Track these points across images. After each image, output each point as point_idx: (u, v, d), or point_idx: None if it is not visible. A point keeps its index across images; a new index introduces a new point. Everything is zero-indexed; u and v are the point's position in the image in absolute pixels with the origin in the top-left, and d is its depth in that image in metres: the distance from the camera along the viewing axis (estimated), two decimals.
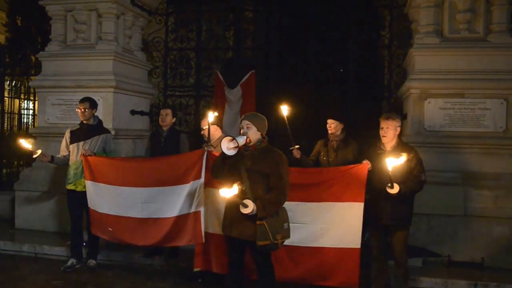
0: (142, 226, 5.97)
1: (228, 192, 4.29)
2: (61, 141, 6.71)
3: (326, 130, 6.19)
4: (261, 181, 4.46)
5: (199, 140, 8.40)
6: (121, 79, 8.18)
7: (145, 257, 6.85)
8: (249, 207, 4.31)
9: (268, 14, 9.76)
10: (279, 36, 9.78)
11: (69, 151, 6.52)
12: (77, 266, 6.54)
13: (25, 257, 7.22)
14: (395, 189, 4.99)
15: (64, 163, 6.59)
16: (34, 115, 11.63)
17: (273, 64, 9.67)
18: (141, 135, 8.88)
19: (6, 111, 10.34)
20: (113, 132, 7.32)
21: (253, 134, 4.52)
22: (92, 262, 6.58)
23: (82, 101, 6.50)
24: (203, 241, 5.61)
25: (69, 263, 6.53)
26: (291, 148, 5.97)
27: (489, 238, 6.67)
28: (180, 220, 5.73)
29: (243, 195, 4.43)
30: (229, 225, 4.63)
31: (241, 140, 4.38)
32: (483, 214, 6.69)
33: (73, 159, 6.47)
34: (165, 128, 6.82)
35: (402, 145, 5.36)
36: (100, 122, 6.74)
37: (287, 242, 4.68)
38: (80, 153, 6.35)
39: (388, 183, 5.00)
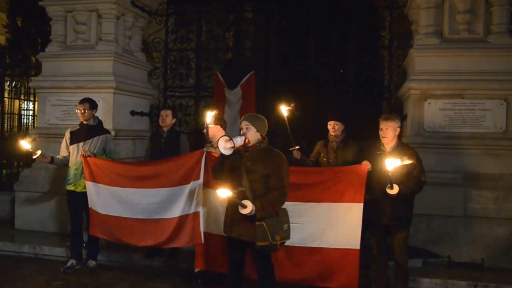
0: (143, 227, 5.97)
1: (225, 192, 4.29)
2: (61, 142, 6.71)
3: (326, 131, 6.19)
4: (261, 182, 4.45)
5: (199, 140, 8.43)
6: (121, 79, 8.17)
7: (145, 258, 6.85)
8: (248, 208, 4.31)
9: (268, 15, 9.75)
10: (279, 37, 9.77)
11: (69, 152, 6.52)
12: (77, 267, 6.53)
13: (25, 258, 7.21)
14: (395, 190, 4.99)
15: (64, 163, 6.59)
16: (34, 115, 11.62)
17: (273, 65, 9.66)
18: (141, 135, 8.87)
19: (6, 112, 10.34)
20: (113, 133, 7.31)
21: (253, 135, 4.51)
22: (92, 263, 6.58)
23: (82, 102, 6.50)
24: (202, 242, 5.63)
25: (69, 264, 6.52)
26: (291, 149, 5.97)
27: (489, 239, 6.67)
28: (180, 221, 5.74)
29: (242, 195, 4.42)
30: (230, 225, 4.63)
31: (239, 140, 4.37)
32: (483, 214, 6.70)
33: (73, 159, 6.46)
34: (165, 129, 6.82)
35: (402, 146, 5.36)
36: (100, 122, 6.73)
37: (286, 242, 4.66)
38: (80, 153, 6.35)
39: (387, 184, 5.00)
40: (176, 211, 5.76)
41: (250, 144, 4.50)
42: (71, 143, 6.50)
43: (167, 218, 5.81)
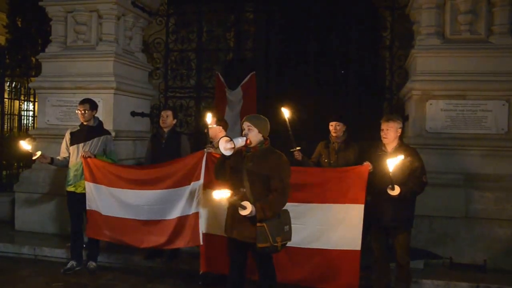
0: (144, 228, 5.98)
1: (221, 193, 4.27)
2: (61, 143, 6.69)
3: (327, 132, 6.17)
4: (262, 183, 4.44)
5: (199, 141, 8.42)
6: (121, 80, 8.15)
7: (145, 259, 6.83)
8: (247, 209, 4.29)
9: (269, 15, 9.74)
10: (280, 37, 9.76)
11: (69, 153, 6.50)
12: (77, 268, 6.51)
13: (25, 259, 7.19)
14: (396, 190, 4.99)
15: (64, 164, 6.57)
16: (34, 116, 11.61)
17: (273, 65, 9.65)
18: (142, 136, 8.85)
19: (6, 113, 10.33)
20: (113, 134, 7.29)
21: (254, 135, 4.49)
22: (92, 264, 6.55)
23: (82, 102, 6.48)
24: (201, 242, 5.63)
25: (69, 265, 6.50)
26: (292, 150, 5.95)
27: (491, 240, 6.64)
28: (180, 222, 5.75)
29: (243, 196, 4.41)
30: (231, 226, 4.63)
31: (240, 141, 4.36)
32: (485, 216, 6.67)
33: (73, 160, 6.44)
34: (165, 130, 6.80)
35: (403, 146, 5.36)
36: (100, 123, 6.71)
37: (288, 243, 4.64)
38: (80, 154, 6.33)
39: (389, 185, 4.99)
40: (176, 212, 5.76)
41: (252, 145, 4.49)
42: (71, 144, 6.48)
43: (168, 219, 5.82)
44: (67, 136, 6.56)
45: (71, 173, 6.43)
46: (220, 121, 6.09)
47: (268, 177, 4.42)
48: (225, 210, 4.85)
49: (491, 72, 6.88)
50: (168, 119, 6.78)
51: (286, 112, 5.89)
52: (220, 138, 4.31)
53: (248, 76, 8.79)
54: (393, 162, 4.91)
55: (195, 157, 5.71)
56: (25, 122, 12.48)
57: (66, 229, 7.38)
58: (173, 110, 7.14)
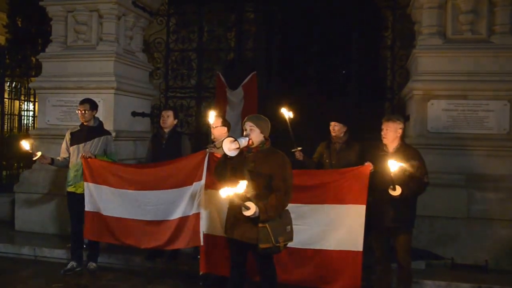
0: (145, 229, 5.96)
1: (229, 191, 4.24)
2: (61, 143, 6.66)
3: (329, 132, 6.15)
4: (264, 183, 4.42)
5: (200, 141, 8.40)
6: (122, 80, 8.14)
7: (146, 259, 6.81)
8: (251, 210, 4.26)
9: (270, 15, 9.72)
10: (281, 37, 9.75)
11: (69, 153, 6.48)
12: (77, 269, 6.49)
13: (25, 260, 7.17)
14: (398, 191, 4.96)
15: (64, 165, 6.55)
16: (34, 116, 11.60)
17: (275, 65, 9.64)
18: (142, 136, 8.83)
19: (6, 113, 10.33)
20: (114, 134, 7.27)
21: (256, 136, 4.47)
22: (92, 265, 6.54)
23: (82, 102, 6.46)
24: (201, 243, 5.61)
25: (69, 266, 6.48)
26: (293, 150, 5.93)
27: (493, 241, 6.63)
28: (181, 222, 5.73)
29: (245, 197, 4.38)
30: (231, 227, 4.60)
31: (243, 142, 4.33)
32: (487, 216, 6.65)
33: (73, 161, 6.42)
34: (166, 130, 6.78)
35: (405, 147, 5.33)
36: (100, 123, 6.69)
37: (289, 244, 4.63)
38: (80, 155, 6.31)
39: (390, 185, 4.96)
40: (178, 212, 5.74)
41: (253, 146, 4.47)
42: (72, 144, 6.46)
43: (169, 219, 5.80)
44: (67, 136, 6.54)
45: (71, 174, 6.41)
46: (225, 121, 6.07)
47: (270, 177, 4.41)
48: (226, 211, 4.83)
49: (493, 72, 6.87)
50: (168, 119, 6.76)
51: (287, 112, 5.86)
52: (224, 139, 4.29)
53: (249, 76, 8.76)
54: (395, 164, 4.88)
55: (197, 157, 5.69)
56: (25, 122, 12.47)
57: (66, 229, 7.36)
58: (173, 110, 7.12)
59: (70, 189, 6.45)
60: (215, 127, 5.79)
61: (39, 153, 6.24)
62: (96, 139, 6.44)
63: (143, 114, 8.90)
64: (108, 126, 7.30)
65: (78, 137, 6.45)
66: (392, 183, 4.95)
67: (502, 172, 6.79)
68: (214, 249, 5.63)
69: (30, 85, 9.18)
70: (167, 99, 9.70)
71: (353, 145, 6.10)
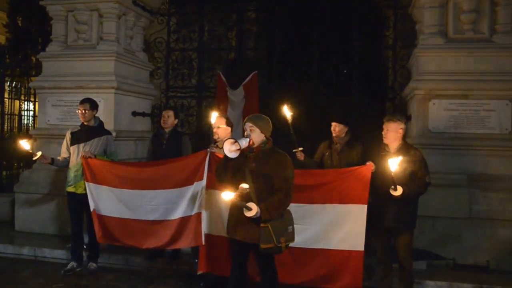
0: (146, 229, 5.93)
1: (230, 195, 4.24)
2: (61, 143, 6.65)
3: (330, 132, 6.12)
4: (266, 183, 4.40)
5: (201, 141, 8.37)
6: (122, 80, 8.12)
7: (146, 260, 6.80)
8: (253, 210, 4.25)
9: (271, 15, 9.70)
10: (282, 37, 9.72)
11: (70, 153, 6.46)
12: (78, 269, 6.49)
13: (25, 260, 7.17)
14: (399, 191, 4.94)
15: (64, 165, 6.54)
16: (34, 116, 11.60)
17: (276, 64, 9.61)
18: (143, 136, 8.82)
19: (6, 112, 10.33)
20: (114, 134, 7.26)
21: (257, 136, 4.46)
22: (92, 265, 6.54)
23: (83, 102, 6.45)
24: (203, 243, 5.58)
25: (69, 266, 6.47)
26: (294, 150, 5.90)
27: (495, 241, 6.60)
28: (183, 222, 5.71)
29: (247, 197, 4.37)
30: (233, 227, 4.59)
31: (244, 143, 4.32)
32: (489, 216, 6.63)
33: (73, 161, 6.41)
34: (167, 130, 6.77)
35: (406, 146, 5.31)
36: (101, 123, 6.67)
37: (290, 244, 4.61)
38: (80, 155, 6.29)
39: (391, 185, 4.95)
40: (179, 212, 5.72)
41: (254, 146, 4.45)
42: (72, 144, 6.45)
43: (170, 219, 5.78)
44: (68, 136, 6.53)
45: (72, 174, 6.40)
46: (229, 121, 6.05)
47: (271, 177, 4.39)
48: (227, 210, 4.82)
49: (495, 71, 6.85)
50: (169, 119, 6.75)
51: (288, 112, 5.84)
52: (225, 140, 4.28)
53: (250, 76, 8.74)
54: (395, 162, 4.87)
55: (198, 157, 5.66)
56: (25, 122, 12.46)
57: (66, 229, 7.35)
58: (174, 110, 7.11)
59: (70, 189, 6.43)
60: (220, 127, 5.77)
61: (39, 153, 6.23)
62: (96, 139, 6.42)
63: (143, 114, 8.89)
64: (108, 126, 7.27)
65: (78, 137, 6.44)
66: (393, 183, 4.93)
67: (503, 172, 6.77)
68: (213, 249, 5.60)
69: (30, 84, 9.16)
70: (167, 98, 9.68)
71: (355, 146, 6.07)
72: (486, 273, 6.36)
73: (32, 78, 9.53)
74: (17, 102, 11.40)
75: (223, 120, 5.91)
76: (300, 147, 5.97)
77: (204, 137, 8.74)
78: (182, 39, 9.80)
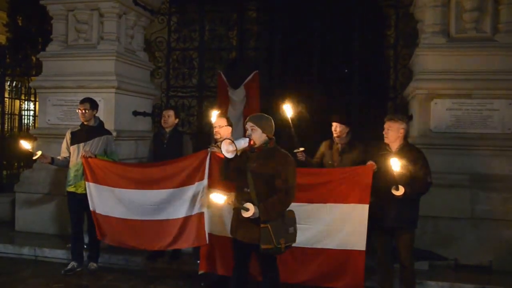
0: (147, 229, 5.93)
1: (219, 198, 4.26)
2: (61, 142, 6.64)
3: (331, 132, 6.10)
4: (266, 183, 4.38)
5: (202, 141, 8.35)
6: (123, 79, 8.10)
7: (147, 260, 6.78)
8: (250, 211, 4.24)
9: (272, 14, 9.67)
10: (283, 36, 9.69)
11: (70, 153, 6.44)
12: (78, 269, 6.47)
13: (25, 260, 7.14)
14: (401, 191, 4.93)
15: (64, 165, 6.52)
16: (34, 116, 11.57)
17: (277, 64, 9.58)
18: (144, 136, 8.80)
19: (6, 112, 10.31)
20: (114, 134, 7.26)
21: (258, 136, 4.44)
22: (93, 265, 6.53)
23: (83, 102, 6.43)
24: (207, 242, 5.58)
25: (69, 266, 6.45)
26: (295, 151, 5.87)
27: (497, 241, 6.58)
28: (185, 222, 5.71)
29: (247, 197, 4.35)
30: (235, 227, 4.59)
31: (242, 143, 4.32)
32: (491, 216, 6.61)
33: (73, 160, 6.39)
34: (167, 129, 6.75)
35: (407, 146, 5.31)
36: (101, 123, 6.66)
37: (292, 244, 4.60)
38: (80, 154, 6.27)
39: (393, 185, 4.93)
40: (181, 212, 5.71)
41: (256, 146, 4.43)
42: (72, 143, 6.43)
43: (172, 219, 5.77)
44: (68, 136, 6.51)
45: (72, 173, 6.38)
46: (230, 120, 6.04)
47: (272, 177, 4.37)
48: (228, 210, 4.84)
49: (497, 70, 6.83)
50: (169, 118, 6.73)
51: (289, 112, 5.81)
52: (223, 140, 4.27)
53: (251, 75, 8.72)
54: (397, 163, 4.84)
55: (199, 157, 5.66)
56: (25, 122, 12.44)
57: (66, 229, 7.32)
58: (174, 109, 7.10)
59: (70, 188, 6.41)
60: (222, 126, 5.75)
61: (39, 153, 6.23)
62: (96, 139, 6.40)
63: (144, 114, 8.86)
64: (109, 125, 7.26)
65: (78, 136, 6.42)
66: (395, 183, 4.92)
67: (506, 172, 6.75)
68: (215, 248, 5.61)
69: (31, 84, 9.15)
70: (168, 98, 9.66)
71: (356, 146, 6.04)
72: (488, 274, 6.34)
73: (33, 78, 9.51)
74: (17, 101, 11.38)
75: (224, 120, 5.89)
76: (301, 147, 5.94)
77: (205, 137, 8.71)
78: (182, 39, 9.78)
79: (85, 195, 6.22)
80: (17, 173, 9.62)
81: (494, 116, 6.83)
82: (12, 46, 12.88)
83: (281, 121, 5.83)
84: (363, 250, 5.20)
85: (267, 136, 4.49)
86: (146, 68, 9.24)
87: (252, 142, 4.39)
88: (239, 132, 7.69)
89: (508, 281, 6.08)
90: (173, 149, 6.56)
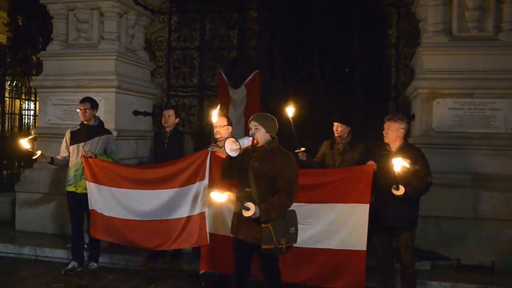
0: (148, 229, 5.93)
1: (220, 196, 4.24)
2: (62, 142, 6.61)
3: (333, 131, 6.07)
4: (268, 183, 4.35)
5: (202, 141, 8.33)
6: (123, 79, 8.09)
7: (147, 260, 6.76)
8: (251, 210, 4.20)
9: (273, 13, 9.65)
10: (284, 36, 9.67)
11: (69, 152, 6.42)
12: (78, 269, 6.45)
13: (26, 260, 7.13)
14: (401, 190, 4.92)
15: (64, 164, 6.50)
16: (35, 115, 11.56)
17: (277, 64, 9.56)
18: (144, 136, 8.78)
19: (6, 112, 10.32)
20: (115, 133, 7.25)
21: (262, 135, 4.41)
22: (93, 265, 6.51)
23: (83, 101, 6.42)
24: (208, 242, 5.59)
25: (70, 266, 6.44)
26: (296, 151, 5.84)
27: (500, 241, 6.56)
28: (186, 222, 5.72)
29: (249, 197, 4.33)
30: (236, 227, 4.56)
31: (246, 142, 4.28)
32: (493, 216, 6.58)
33: (73, 160, 6.37)
34: (168, 129, 6.74)
35: (408, 146, 5.30)
36: (101, 122, 6.64)
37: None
38: (80, 154, 6.25)
39: (393, 185, 4.92)
40: (182, 212, 5.72)
41: (259, 145, 4.41)
42: (71, 143, 6.42)
43: (173, 219, 5.77)
44: (67, 135, 6.50)
45: (71, 173, 6.37)
46: (230, 120, 6.02)
47: (274, 177, 4.34)
48: (228, 210, 4.83)
49: (500, 70, 6.79)
50: (170, 118, 6.72)
51: (290, 112, 5.78)
52: (226, 139, 4.24)
53: (252, 75, 8.69)
54: (399, 163, 4.82)
55: (199, 157, 5.65)
56: (26, 121, 12.43)
57: (67, 229, 7.32)
58: (175, 109, 7.10)
59: (70, 188, 6.40)
60: (222, 126, 5.74)
61: (38, 152, 6.22)
62: (96, 138, 6.39)
63: (144, 113, 8.85)
64: (109, 125, 7.25)
65: (78, 136, 6.40)
66: (396, 182, 4.90)
67: (509, 172, 6.72)
68: (216, 248, 5.61)
69: (31, 84, 9.14)
70: (169, 98, 9.64)
71: (357, 146, 6.01)
72: (491, 274, 6.32)
73: (33, 77, 9.50)
74: (17, 101, 11.38)
75: (224, 119, 5.87)
76: (302, 147, 5.91)
77: (206, 136, 8.69)
78: (183, 38, 9.77)
79: (85, 194, 6.22)
80: (18, 173, 9.62)
81: (496, 116, 6.79)
82: (12, 45, 12.82)
83: (282, 121, 5.80)
84: (363, 250, 5.19)
85: (270, 136, 4.46)
86: (147, 67, 9.22)
87: (255, 141, 4.36)
88: (239, 131, 7.67)
89: (510, 281, 6.06)
90: (173, 149, 6.55)
